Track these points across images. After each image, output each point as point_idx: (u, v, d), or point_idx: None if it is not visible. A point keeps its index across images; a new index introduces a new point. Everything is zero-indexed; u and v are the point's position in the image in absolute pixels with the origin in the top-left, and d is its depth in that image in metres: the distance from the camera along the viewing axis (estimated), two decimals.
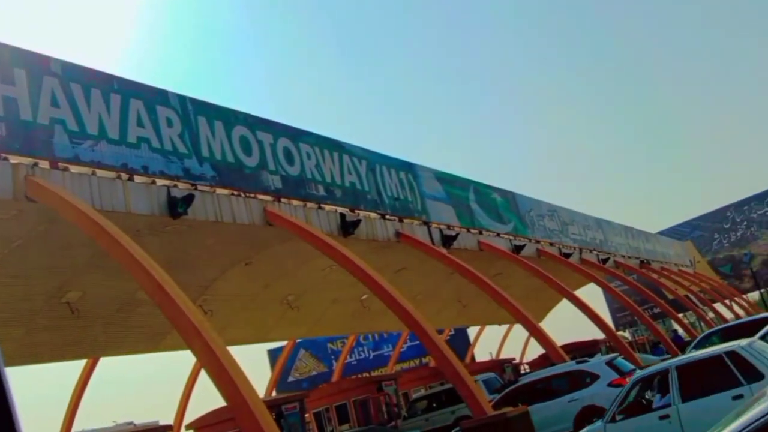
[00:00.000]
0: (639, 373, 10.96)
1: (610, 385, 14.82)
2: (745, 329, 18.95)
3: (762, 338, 12.84)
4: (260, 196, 15.46)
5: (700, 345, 19.24)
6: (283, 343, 32.86)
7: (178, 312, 10.57)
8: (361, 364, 50.67)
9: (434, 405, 22.29)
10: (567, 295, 24.39)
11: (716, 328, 20.81)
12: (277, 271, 20.21)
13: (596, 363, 15.79)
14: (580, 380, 15.35)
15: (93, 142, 12.29)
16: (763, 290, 52.21)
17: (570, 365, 16.47)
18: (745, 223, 59.66)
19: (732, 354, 8.91)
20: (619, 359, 16.31)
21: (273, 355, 46.10)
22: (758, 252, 58.68)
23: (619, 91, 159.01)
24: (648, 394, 10.57)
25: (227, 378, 9.98)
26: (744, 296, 53.99)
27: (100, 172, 12.45)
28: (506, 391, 16.75)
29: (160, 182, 13.36)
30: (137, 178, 13.01)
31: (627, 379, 14.90)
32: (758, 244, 58.87)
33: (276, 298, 22.53)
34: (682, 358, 10.23)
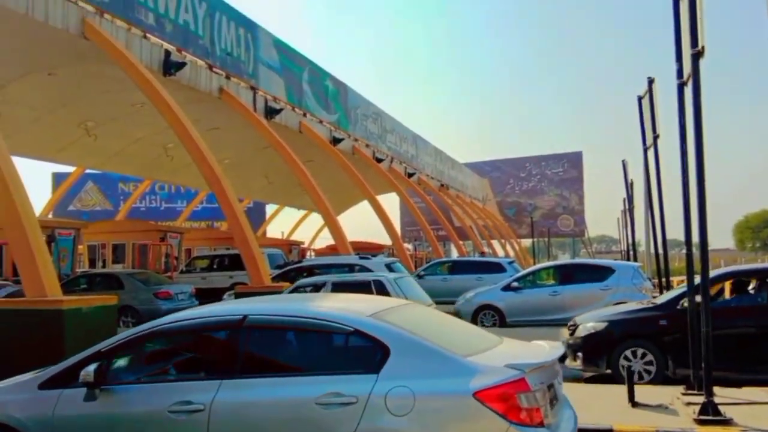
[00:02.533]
0: (299, 282, 12.84)
1: None
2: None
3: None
4: (82, 4, 13.98)
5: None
6: (72, 169, 30.80)
7: None
8: (150, 212, 49.20)
9: (214, 266, 22.46)
10: (369, 197, 25.33)
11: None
12: (81, 92, 18.68)
13: (377, 262, 16.75)
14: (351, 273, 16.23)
15: None
16: (536, 239, 57.91)
17: (352, 258, 17.33)
18: (538, 176, 65.17)
19: (378, 282, 10.95)
20: (398, 264, 17.42)
21: (58, 179, 43.23)
22: (541, 205, 64.71)
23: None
24: None
25: (3, 185, 9.30)
26: (519, 240, 59.64)
27: None
28: (287, 268, 17.32)
29: None
30: None
31: None
32: (544, 198, 64.84)
33: (74, 120, 20.96)
34: (338, 277, 12.31)
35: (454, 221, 41.06)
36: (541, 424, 3.86)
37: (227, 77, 19.07)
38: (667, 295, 9.55)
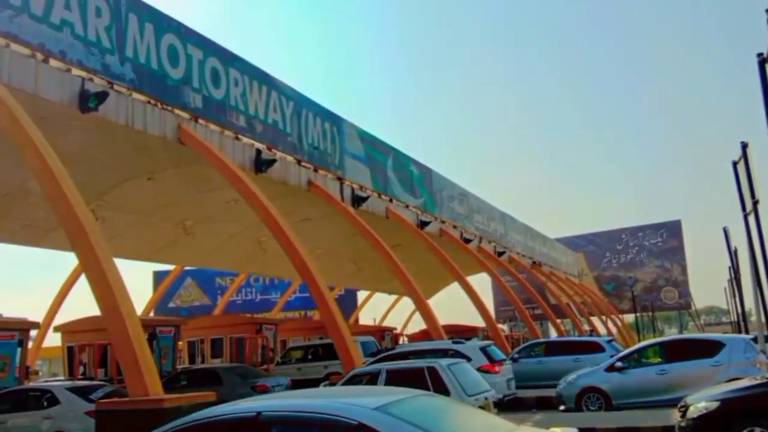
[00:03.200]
0: (355, 370, 12.54)
1: (478, 369, 15.35)
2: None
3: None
4: (177, 112, 14.91)
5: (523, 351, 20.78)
6: (171, 267, 32.13)
7: (68, 210, 10.15)
8: (246, 304, 50.33)
9: (309, 356, 22.46)
10: (459, 278, 25.03)
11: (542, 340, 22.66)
12: (179, 193, 19.66)
13: (470, 346, 16.30)
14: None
15: (13, 13, 11.48)
16: (638, 314, 55.34)
17: (446, 343, 16.92)
18: (636, 248, 62.85)
19: (431, 369, 10.61)
20: (492, 347, 16.89)
21: (158, 277, 45.08)
22: (642, 278, 62.06)
23: (565, 93, 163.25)
24: None
25: (107, 287, 9.71)
26: (620, 316, 57.11)
27: (14, 47, 11.66)
28: (380, 356, 17.06)
29: (75, 72, 12.65)
30: (52, 62, 12.27)
31: (496, 367, 15.59)
32: (644, 270, 62.24)
33: (173, 220, 21.95)
34: (393, 364, 11.92)
35: (549, 299, 39.87)
36: None
37: (315, 170, 19.66)
38: None
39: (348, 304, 46.49)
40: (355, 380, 11.54)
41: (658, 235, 62.28)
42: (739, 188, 11.19)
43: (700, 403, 8.81)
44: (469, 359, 15.57)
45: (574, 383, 14.90)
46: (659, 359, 14.94)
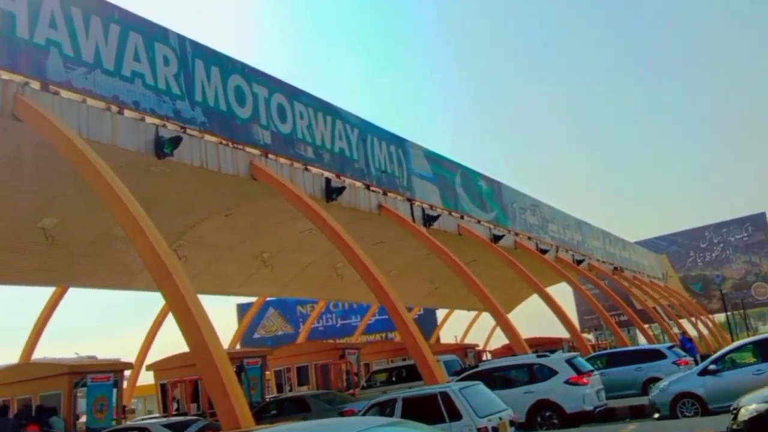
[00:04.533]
0: (374, 400, 12.49)
1: (566, 382, 15.03)
2: None
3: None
4: (248, 149, 15.39)
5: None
6: (253, 299, 32.91)
7: (152, 252, 10.57)
8: (328, 330, 50.96)
9: (393, 378, 22.49)
10: (538, 290, 24.65)
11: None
12: (255, 227, 20.19)
13: (556, 359, 15.97)
14: (539, 373, 15.55)
15: (87, 70, 12.14)
16: (729, 313, 52.98)
17: (530, 357, 16.66)
18: (721, 245, 60.38)
19: (443, 394, 10.54)
20: (579, 359, 16.49)
21: (242, 309, 46.20)
22: (730, 275, 59.49)
23: (623, 99, 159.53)
24: None
25: (193, 324, 10.04)
26: (711, 316, 54.81)
27: (90, 102, 12.32)
28: (465, 374, 16.94)
29: (149, 120, 13.25)
30: (127, 113, 12.89)
31: (584, 378, 15.23)
32: (731, 267, 59.67)
33: (251, 254, 22.53)
34: (408, 392, 11.84)
35: (634, 304, 38.67)
36: None
37: (384, 193, 19.85)
38: None
39: (428, 323, 46.40)
40: (372, 410, 11.73)
41: (743, 230, 59.69)
42: None
43: (751, 405, 8.64)
44: (555, 372, 15.31)
45: (667, 390, 14.41)
46: (754, 359, 14.30)
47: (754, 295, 58.17)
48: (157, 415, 21.83)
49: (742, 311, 53.52)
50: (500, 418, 10.77)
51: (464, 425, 9.69)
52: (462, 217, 23.83)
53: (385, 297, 15.22)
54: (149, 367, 22.71)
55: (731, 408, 9.46)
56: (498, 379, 16.32)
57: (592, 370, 16.03)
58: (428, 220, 21.45)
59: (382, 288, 15.13)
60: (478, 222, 24.90)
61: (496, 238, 25.16)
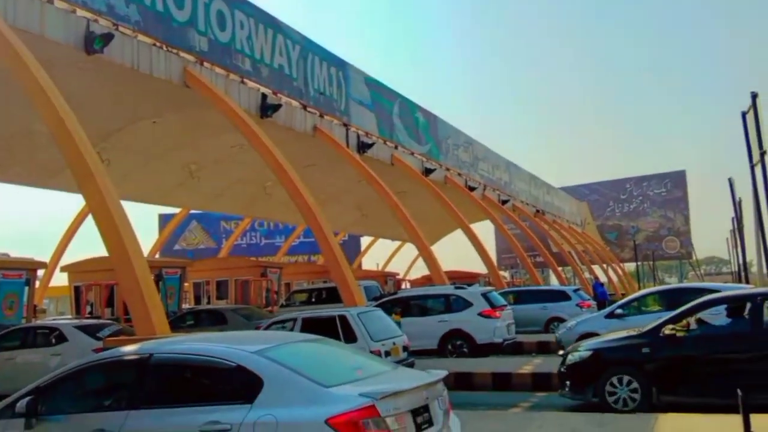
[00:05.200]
0: (274, 318, 13.20)
1: (480, 314, 15.64)
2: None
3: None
4: (183, 54, 14.80)
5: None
6: (176, 210, 32.33)
7: (75, 151, 10.22)
8: (251, 248, 50.79)
9: (313, 300, 22.80)
10: (463, 225, 25.17)
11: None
12: (184, 137, 19.65)
13: (472, 291, 16.55)
14: (454, 304, 16.09)
15: None
16: (640, 263, 55.63)
17: (448, 288, 17.19)
18: (640, 198, 62.88)
19: (342, 317, 11.19)
20: (494, 293, 17.15)
21: (164, 220, 45.41)
22: (644, 227, 62.28)
23: (573, 46, 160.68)
24: None
25: (113, 227, 9.85)
26: (622, 264, 57.49)
27: None
28: (383, 300, 17.37)
29: (80, 13, 12.53)
30: (57, 3, 12.15)
31: (497, 312, 15.86)
32: (647, 220, 62.41)
33: (178, 164, 21.98)
34: (308, 313, 12.47)
35: (551, 247, 40.10)
36: None
37: (321, 115, 19.59)
38: (651, 323, 9.29)
39: (352, 249, 46.88)
40: (274, 327, 12.10)
41: (662, 185, 62.25)
42: (747, 139, 11.18)
43: (576, 353, 9.34)
44: (470, 304, 15.88)
45: (574, 329, 15.15)
46: (659, 307, 15.14)
47: (664, 248, 61.29)
48: (69, 317, 21.51)
49: (651, 262, 56.37)
50: (394, 343, 11.35)
51: (359, 347, 10.07)
52: (396, 147, 23.85)
53: (312, 219, 15.25)
54: (64, 269, 22.23)
55: (559, 353, 10.34)
56: (415, 306, 16.85)
57: (505, 305, 16.71)
58: (363, 147, 21.38)
59: (310, 210, 15.14)
60: (412, 154, 24.99)
61: (428, 172, 25.37)
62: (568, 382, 9.25)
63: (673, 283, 65.20)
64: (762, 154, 10.35)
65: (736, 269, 30.70)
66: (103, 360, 5.59)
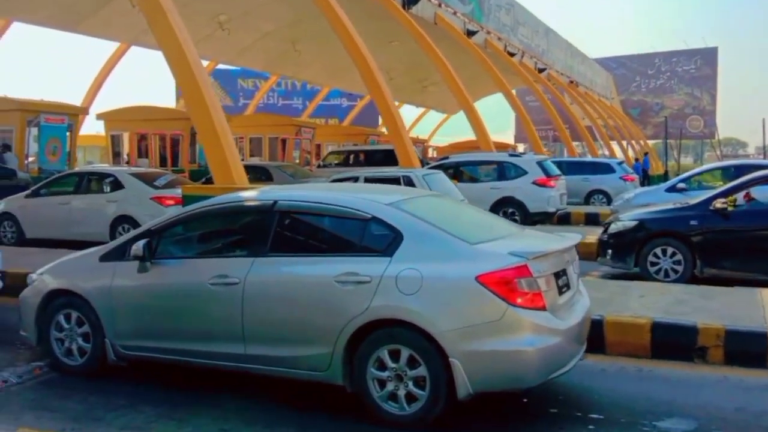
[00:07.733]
0: (335, 176, 13.09)
1: (534, 183, 15.29)
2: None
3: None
4: None
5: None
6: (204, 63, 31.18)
7: None
8: (268, 108, 49.68)
9: (350, 162, 22.43)
10: (505, 90, 24.33)
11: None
12: None
13: (528, 159, 16.13)
14: (507, 172, 15.70)
15: None
16: (660, 140, 54.62)
17: (502, 155, 16.75)
18: (668, 74, 60.83)
19: (407, 178, 11.23)
20: (549, 162, 16.70)
21: None
22: (669, 105, 60.62)
23: None
24: None
25: (191, 77, 9.33)
26: (646, 141, 56.42)
27: None
28: (432, 165, 16.95)
29: None
30: None
31: (552, 182, 15.51)
32: (672, 97, 60.67)
33: (207, 14, 20.89)
34: (371, 172, 12.46)
35: (580, 121, 39.20)
36: (542, 308, 4.15)
37: None
38: (701, 196, 9.29)
39: (373, 114, 45.98)
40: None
41: (692, 62, 60.04)
42: None
43: (619, 222, 9.35)
44: (525, 172, 15.49)
45: (632, 201, 14.90)
46: (720, 183, 14.84)
47: (687, 127, 59.94)
48: (106, 165, 21.15)
49: (670, 141, 55.33)
50: None
51: None
52: (440, 5, 22.53)
53: (374, 84, 14.66)
54: (100, 116, 21.53)
55: (603, 222, 10.25)
56: (465, 173, 16.45)
57: (559, 175, 16.31)
58: (409, 2, 20.13)
59: (372, 73, 14.49)
60: (455, 13, 23.67)
61: (470, 33, 24.15)
62: (609, 251, 9.23)
63: (688, 163, 64.74)
64: None
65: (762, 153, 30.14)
66: (220, 204, 5.31)
